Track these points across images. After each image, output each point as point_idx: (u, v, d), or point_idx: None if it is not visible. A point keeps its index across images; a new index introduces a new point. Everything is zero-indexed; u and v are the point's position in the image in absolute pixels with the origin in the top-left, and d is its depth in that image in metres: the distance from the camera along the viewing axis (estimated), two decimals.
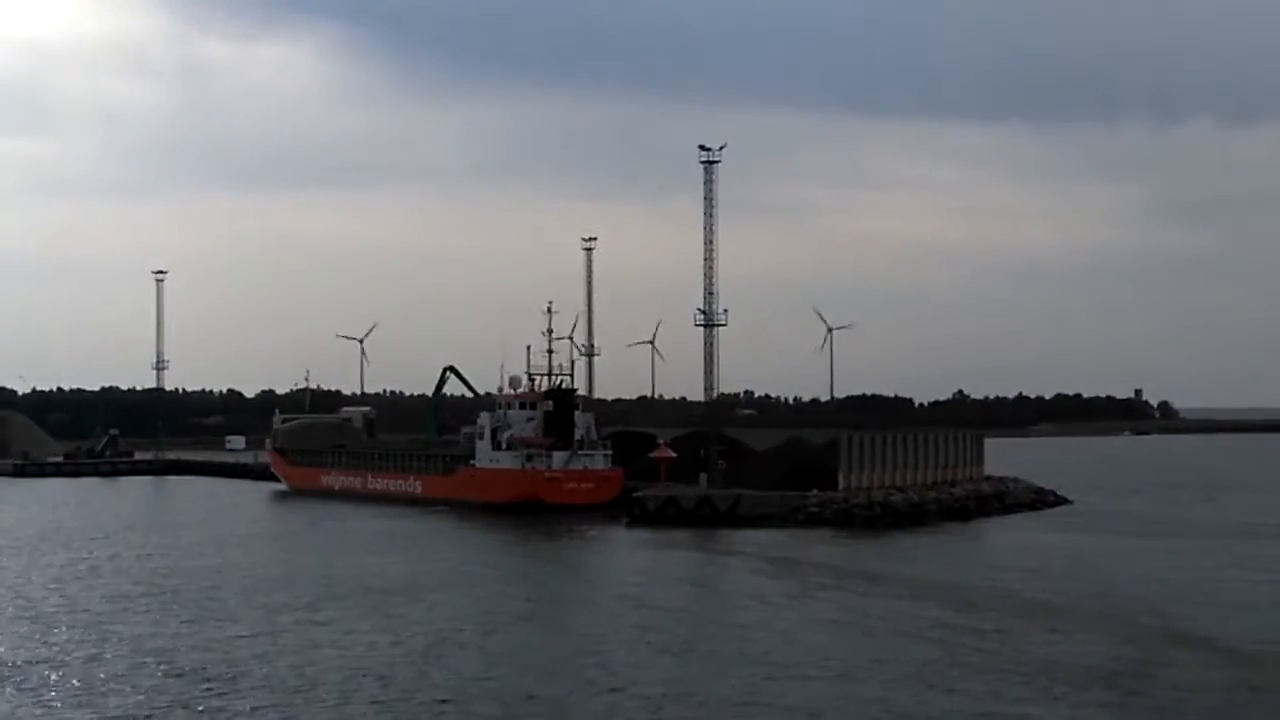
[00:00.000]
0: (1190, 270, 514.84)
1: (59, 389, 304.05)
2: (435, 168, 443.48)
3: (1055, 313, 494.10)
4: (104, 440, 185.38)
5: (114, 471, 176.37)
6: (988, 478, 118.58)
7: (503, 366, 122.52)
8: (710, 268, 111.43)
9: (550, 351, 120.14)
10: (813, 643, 50.65)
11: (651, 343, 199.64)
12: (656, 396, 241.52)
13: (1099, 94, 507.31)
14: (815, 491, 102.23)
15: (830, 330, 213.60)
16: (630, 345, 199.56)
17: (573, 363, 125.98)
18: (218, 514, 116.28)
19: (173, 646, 50.20)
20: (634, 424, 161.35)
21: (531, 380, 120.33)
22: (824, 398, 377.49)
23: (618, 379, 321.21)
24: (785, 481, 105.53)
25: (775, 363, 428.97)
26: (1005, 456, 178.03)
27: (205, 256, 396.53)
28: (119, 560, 79.97)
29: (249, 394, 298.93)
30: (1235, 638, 51.01)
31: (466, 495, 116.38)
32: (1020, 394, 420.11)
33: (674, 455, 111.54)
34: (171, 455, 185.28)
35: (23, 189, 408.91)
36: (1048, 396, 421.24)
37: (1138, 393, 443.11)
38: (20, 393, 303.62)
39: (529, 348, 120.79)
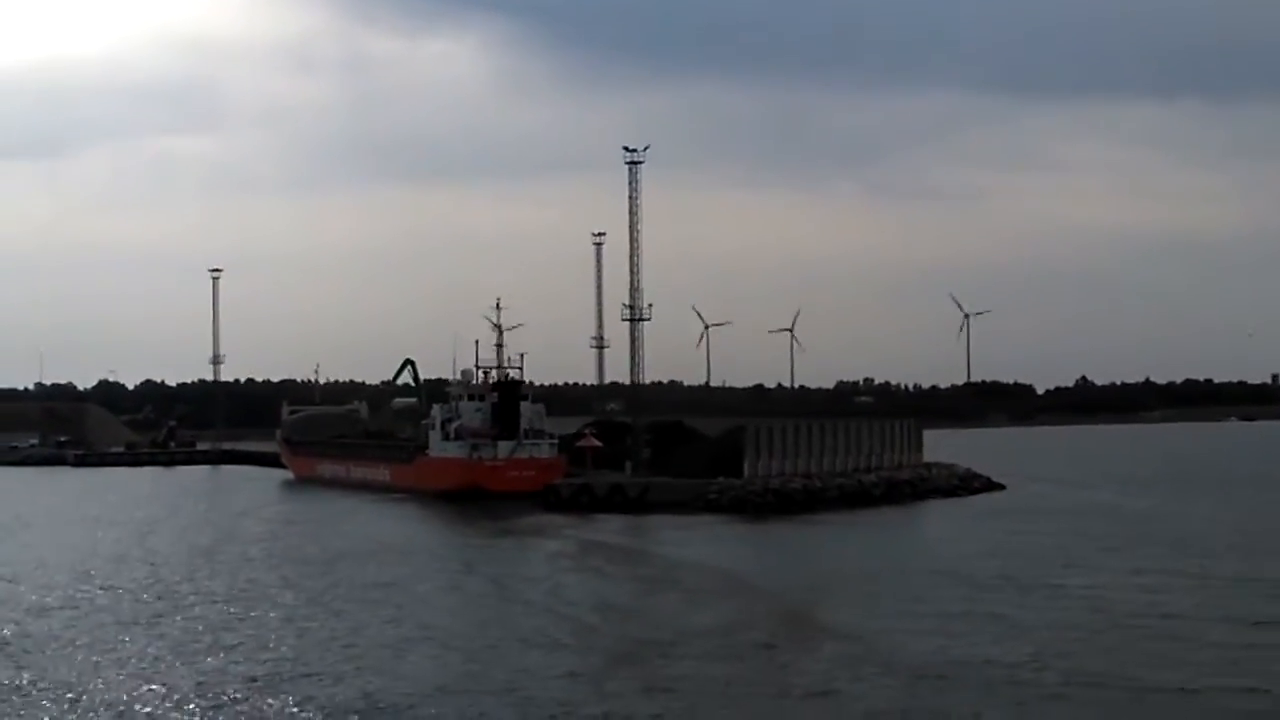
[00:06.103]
0: None
1: (200, 380, 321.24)
2: (596, 159, 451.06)
3: (1211, 296, 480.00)
4: (164, 431, 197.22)
5: (172, 461, 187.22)
6: (921, 465, 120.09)
7: (455, 360, 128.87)
8: (635, 263, 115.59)
9: (499, 345, 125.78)
10: (466, 616, 54.86)
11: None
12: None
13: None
14: (720, 479, 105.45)
15: (967, 316, 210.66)
16: (772, 331, 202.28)
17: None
18: (190, 504, 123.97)
19: None
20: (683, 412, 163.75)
21: (485, 374, 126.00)
22: (947, 384, 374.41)
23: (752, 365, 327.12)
24: (710, 468, 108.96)
25: (913, 347, 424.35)
26: (1051, 444, 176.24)
27: (370, 250, 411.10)
28: None
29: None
30: (853, 621, 52.80)
31: (421, 483, 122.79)
32: (1148, 379, 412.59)
33: (599, 444, 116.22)
34: (227, 445, 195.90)
35: (196, 186, 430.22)
36: (1178, 382, 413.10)
37: (1275, 378, 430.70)
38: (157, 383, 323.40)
39: (477, 342, 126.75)
